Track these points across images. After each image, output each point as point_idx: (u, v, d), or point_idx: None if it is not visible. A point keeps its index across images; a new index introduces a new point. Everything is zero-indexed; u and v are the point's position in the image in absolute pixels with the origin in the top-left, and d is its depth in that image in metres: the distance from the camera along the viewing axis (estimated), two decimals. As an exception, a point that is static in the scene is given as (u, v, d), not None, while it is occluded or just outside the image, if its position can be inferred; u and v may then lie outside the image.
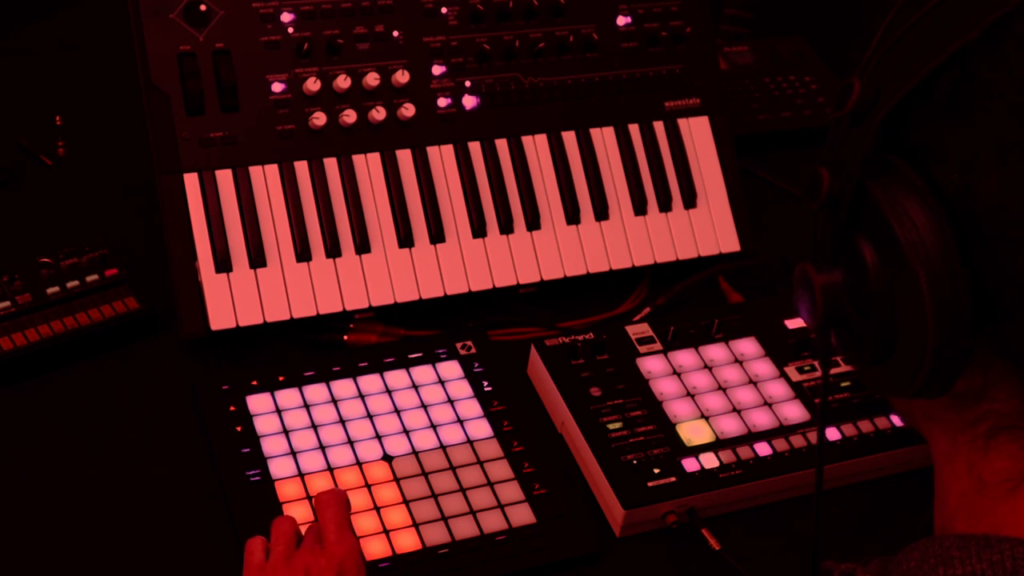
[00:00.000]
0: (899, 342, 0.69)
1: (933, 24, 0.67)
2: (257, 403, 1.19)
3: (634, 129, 1.43)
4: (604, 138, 1.42)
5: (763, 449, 1.20)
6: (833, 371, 1.28)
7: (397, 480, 1.15)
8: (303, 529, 1.03)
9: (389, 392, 1.22)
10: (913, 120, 0.68)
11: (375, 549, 1.09)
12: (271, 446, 1.16)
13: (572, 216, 1.38)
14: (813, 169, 0.71)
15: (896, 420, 1.23)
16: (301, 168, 1.31)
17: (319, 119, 1.31)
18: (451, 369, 1.25)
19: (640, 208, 1.41)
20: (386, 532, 1.10)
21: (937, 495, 0.77)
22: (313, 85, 1.31)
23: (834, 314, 0.73)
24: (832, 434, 1.22)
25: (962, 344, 0.67)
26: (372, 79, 1.33)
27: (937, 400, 0.73)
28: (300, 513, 1.10)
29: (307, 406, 1.20)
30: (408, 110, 1.34)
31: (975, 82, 0.65)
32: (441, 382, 1.24)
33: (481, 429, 1.20)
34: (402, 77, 1.34)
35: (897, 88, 0.67)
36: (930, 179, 0.67)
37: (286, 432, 1.17)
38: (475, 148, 1.37)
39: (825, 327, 0.74)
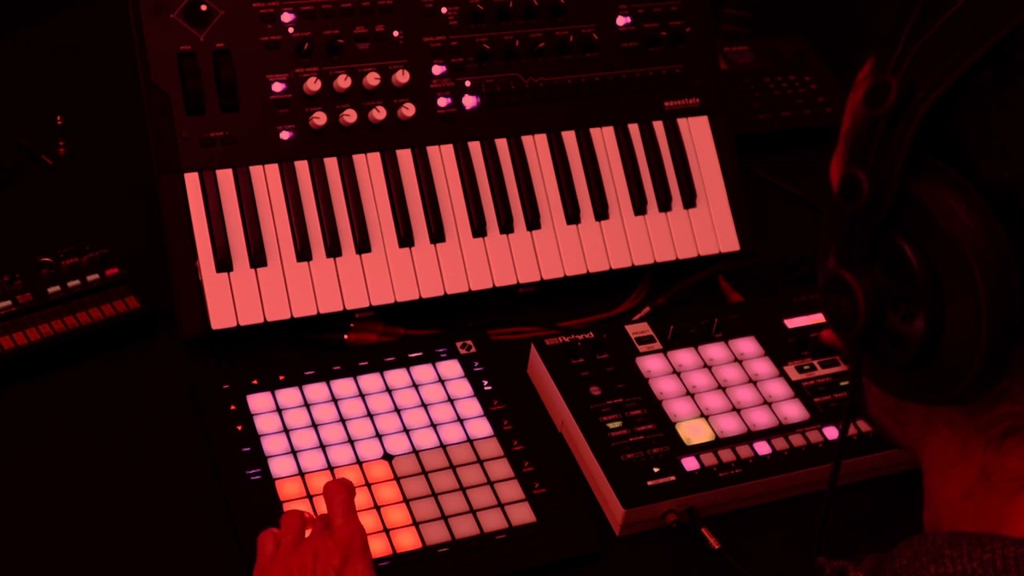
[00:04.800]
0: (946, 344, 0.68)
1: (965, 17, 0.66)
2: (257, 402, 1.19)
3: (634, 129, 1.43)
4: (604, 138, 1.42)
5: (762, 448, 1.20)
6: (834, 370, 1.28)
7: (397, 479, 1.15)
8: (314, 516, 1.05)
9: (389, 391, 1.22)
10: (952, 115, 0.66)
11: (375, 548, 1.09)
12: (271, 445, 1.16)
13: (572, 216, 1.38)
14: (848, 174, 0.69)
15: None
16: (301, 168, 1.31)
17: (319, 119, 1.31)
18: (451, 368, 1.26)
19: (640, 208, 1.41)
20: (386, 531, 1.10)
21: (930, 498, 0.76)
22: (313, 85, 1.31)
23: (875, 319, 0.71)
24: (831, 433, 1.22)
25: (1015, 341, 0.66)
26: (372, 79, 1.33)
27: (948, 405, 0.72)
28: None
29: (307, 405, 1.20)
30: (408, 110, 1.34)
31: (1019, 72, 0.64)
32: (441, 381, 1.24)
33: (481, 428, 1.20)
34: (402, 77, 1.34)
35: (936, 83, 0.65)
36: (971, 174, 0.65)
37: (286, 431, 1.17)
38: (475, 148, 1.37)
39: (867, 333, 0.71)
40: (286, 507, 1.11)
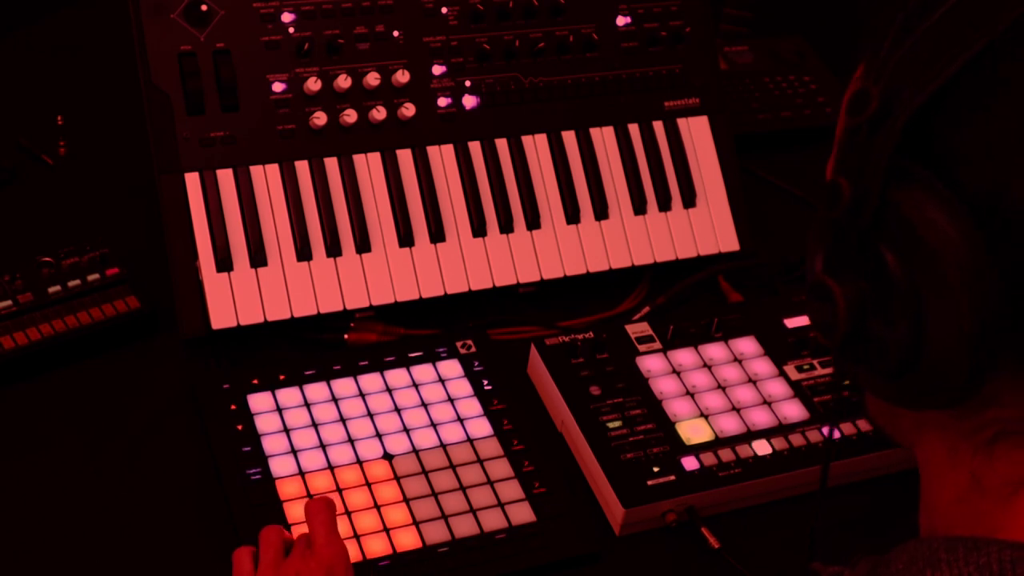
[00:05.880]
0: (928, 352, 0.68)
1: (951, 26, 0.66)
2: (258, 402, 1.19)
3: (634, 129, 1.44)
4: (604, 138, 1.42)
5: (762, 448, 1.20)
6: (833, 369, 1.28)
7: (397, 478, 1.15)
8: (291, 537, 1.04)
9: (389, 391, 1.23)
10: (933, 124, 0.66)
11: (375, 547, 1.09)
12: (272, 445, 1.16)
13: (572, 216, 1.38)
14: (831, 181, 0.69)
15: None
16: (302, 168, 1.31)
17: (320, 119, 1.31)
18: (451, 368, 1.26)
19: (640, 208, 1.41)
20: (386, 530, 1.10)
21: (924, 501, 0.76)
22: (314, 85, 1.31)
23: (858, 326, 0.71)
24: (831, 433, 1.22)
25: (994, 350, 0.66)
26: (372, 79, 1.34)
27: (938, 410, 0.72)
28: (301, 512, 1.10)
29: (308, 405, 1.20)
30: (408, 110, 1.35)
31: (998, 82, 0.64)
32: (441, 381, 1.24)
33: (481, 428, 1.20)
34: (402, 77, 1.34)
35: (917, 92, 0.65)
36: (953, 183, 0.65)
37: (287, 431, 1.17)
38: (475, 148, 1.37)
39: (849, 340, 0.71)
40: (286, 507, 1.11)
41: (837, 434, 1.22)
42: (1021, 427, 0.69)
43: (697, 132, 1.46)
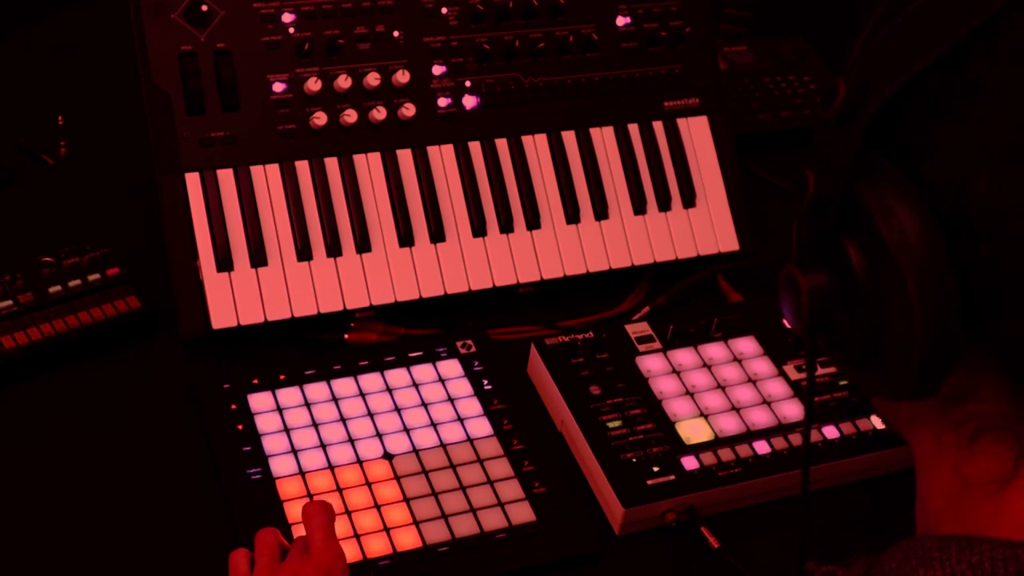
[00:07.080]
0: (887, 344, 0.69)
1: (920, 23, 0.67)
2: (258, 401, 1.19)
3: (633, 129, 1.44)
4: (604, 138, 1.42)
5: (762, 447, 1.20)
6: (833, 369, 1.28)
7: (397, 478, 1.15)
8: (286, 541, 1.04)
9: (389, 390, 1.23)
10: (902, 120, 0.67)
11: (376, 547, 1.09)
12: (272, 444, 1.16)
13: (572, 216, 1.38)
14: (800, 171, 0.71)
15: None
16: (302, 168, 1.31)
17: (320, 119, 1.31)
18: (451, 368, 1.26)
19: (639, 207, 1.41)
20: (387, 530, 1.11)
21: (919, 496, 0.76)
22: (314, 85, 1.31)
23: (820, 317, 0.72)
24: (830, 432, 1.22)
25: (950, 345, 0.67)
26: (372, 79, 1.34)
27: (923, 401, 0.72)
28: (300, 513, 1.10)
29: (308, 404, 1.20)
30: (408, 110, 1.35)
31: (965, 82, 0.65)
32: (441, 381, 1.24)
33: (481, 427, 1.21)
34: (402, 77, 1.34)
35: (883, 88, 0.66)
36: (918, 179, 0.66)
37: (287, 430, 1.17)
38: (475, 148, 1.37)
39: (811, 330, 0.73)
40: (286, 507, 1.11)
41: (836, 433, 1.22)
42: (1001, 422, 0.70)
43: (697, 132, 1.46)
